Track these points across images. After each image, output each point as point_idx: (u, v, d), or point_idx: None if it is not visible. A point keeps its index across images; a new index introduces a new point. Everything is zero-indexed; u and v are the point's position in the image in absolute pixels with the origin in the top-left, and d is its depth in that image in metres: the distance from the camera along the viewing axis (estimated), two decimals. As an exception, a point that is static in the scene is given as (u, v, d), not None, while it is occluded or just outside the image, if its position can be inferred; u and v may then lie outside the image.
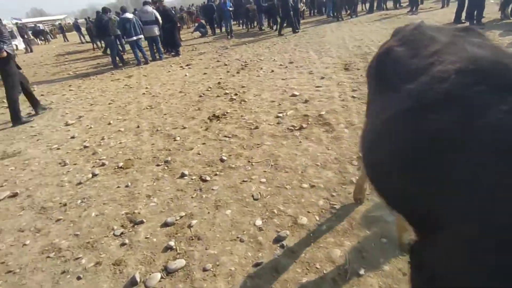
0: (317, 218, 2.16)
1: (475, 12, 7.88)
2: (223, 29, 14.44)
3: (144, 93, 6.05)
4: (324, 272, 1.75)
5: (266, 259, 1.88)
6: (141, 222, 2.35)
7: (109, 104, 5.65)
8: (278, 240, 2.01)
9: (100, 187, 2.93)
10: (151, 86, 6.59)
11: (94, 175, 3.13)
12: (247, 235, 2.09)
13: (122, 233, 2.28)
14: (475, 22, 7.82)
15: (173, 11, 10.29)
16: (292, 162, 2.87)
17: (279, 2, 11.44)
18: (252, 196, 2.48)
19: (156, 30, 9.23)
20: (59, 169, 3.36)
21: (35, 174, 3.31)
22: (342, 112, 3.82)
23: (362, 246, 1.88)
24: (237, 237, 2.08)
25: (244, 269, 1.84)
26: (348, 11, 14.00)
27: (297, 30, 11.47)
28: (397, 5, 14.80)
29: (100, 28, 9.07)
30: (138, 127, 4.31)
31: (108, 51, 11.37)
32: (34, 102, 5.51)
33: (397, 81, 0.90)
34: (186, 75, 7.15)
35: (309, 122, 3.66)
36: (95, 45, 15.22)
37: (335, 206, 2.24)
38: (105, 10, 9.24)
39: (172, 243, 2.09)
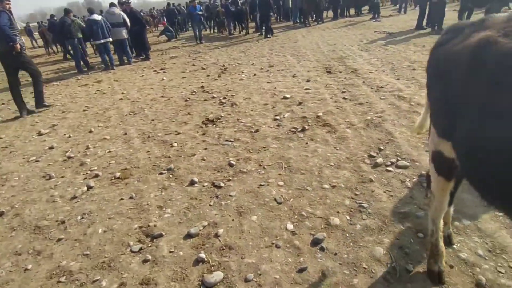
0: (348, 218, 2.14)
1: (436, 19, 8.54)
2: (187, 33, 14.18)
3: (121, 99, 5.69)
4: (373, 271, 1.72)
5: (309, 263, 1.82)
6: (160, 235, 2.16)
7: (84, 111, 5.22)
8: (316, 243, 1.96)
9: (100, 200, 2.66)
10: (127, 91, 6.22)
11: (89, 187, 2.84)
12: (281, 241, 2.01)
13: (141, 248, 2.07)
14: (436, 28, 8.48)
15: (141, 14, 9.83)
16: (306, 164, 2.84)
17: (259, 5, 11.60)
18: (275, 200, 2.40)
19: (124, 33, 8.78)
20: (45, 183, 3.01)
21: (17, 190, 2.93)
22: (339, 113, 3.89)
23: (401, 243, 1.89)
24: (272, 243, 1.99)
25: (289, 276, 1.76)
26: (315, 17, 14.50)
27: (268, 36, 11.62)
28: (358, 13, 15.65)
29: (62, 31, 8.40)
30: (126, 134, 4.02)
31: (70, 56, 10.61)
32: (21, 104, 5.41)
33: None
34: (163, 79, 6.87)
35: (309, 124, 3.67)
36: (50, 49, 14.11)
37: (362, 204, 2.24)
38: (67, 11, 8.57)
39: (202, 255, 1.94)
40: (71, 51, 9.28)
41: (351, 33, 10.43)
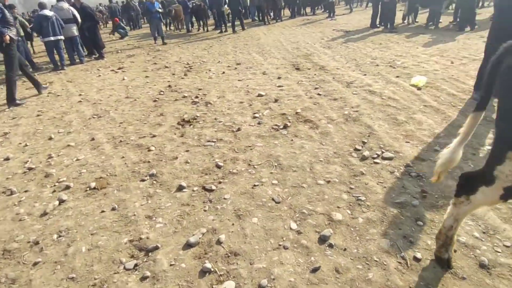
0: (349, 212, 2.16)
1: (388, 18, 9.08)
2: (141, 30, 13.51)
3: (80, 101, 5.20)
4: (385, 263, 1.75)
5: (321, 262, 1.79)
6: (156, 248, 1.99)
7: (38, 115, 4.68)
8: (323, 240, 1.94)
9: (77, 215, 2.38)
10: (85, 92, 5.70)
11: (61, 201, 2.53)
12: (288, 241, 1.96)
13: (136, 265, 1.89)
14: (389, 26, 9.02)
15: (92, 9, 9.09)
16: (295, 161, 2.82)
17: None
18: (273, 199, 2.34)
19: (74, 30, 8.06)
20: (6, 200, 2.62)
21: (-30, 210, 2.51)
22: (316, 109, 3.94)
23: (404, 232, 1.95)
24: (279, 245, 1.93)
25: (304, 277, 1.71)
26: (273, 15, 14.65)
27: (235, 31, 11.60)
28: (313, 11, 16.15)
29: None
30: (93, 139, 3.67)
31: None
32: (35, 83, 5.89)
33: None
34: (124, 79, 6.43)
35: (290, 120, 3.66)
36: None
37: (359, 197, 2.28)
38: (10, 7, 7.60)
39: (208, 265, 1.82)
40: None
41: (311, 31, 10.70)
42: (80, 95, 5.57)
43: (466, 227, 1.93)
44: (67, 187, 2.74)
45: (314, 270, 1.74)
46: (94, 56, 9.23)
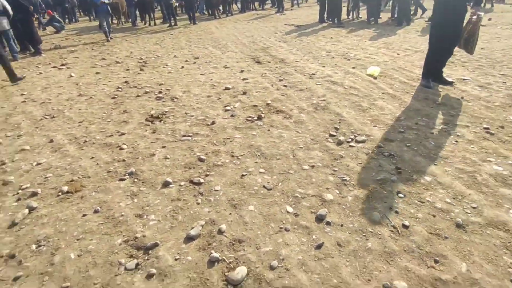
0: (338, 192, 2.31)
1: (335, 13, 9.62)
2: (79, 24, 12.42)
3: (24, 101, 4.65)
4: (379, 233, 1.92)
5: (323, 238, 1.90)
6: (155, 245, 1.92)
7: (-26, 119, 4.08)
8: (320, 219, 2.05)
9: (55, 221, 2.17)
10: (28, 91, 5.11)
11: (31, 209, 2.29)
12: (288, 224, 2.03)
13: (138, 264, 1.80)
14: (336, 21, 9.56)
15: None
16: (277, 149, 2.91)
17: None
18: (264, 187, 2.39)
19: (5, 23, 7.09)
20: (-41, 215, 2.28)
21: None
22: (286, 100, 4.06)
23: (390, 204, 2.15)
24: (280, 228, 2.00)
25: (310, 254, 1.81)
26: (222, 10, 14.52)
27: (195, 23, 11.21)
28: (262, 6, 16.38)
29: None
30: (52, 141, 3.34)
31: None
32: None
33: None
34: (72, 76, 5.90)
35: (263, 112, 3.73)
36: None
37: (344, 178, 2.44)
38: None
39: (215, 254, 1.81)
40: None
41: (263, 25, 10.86)
42: (22, 94, 4.97)
43: (439, 195, 2.20)
44: (34, 194, 2.47)
45: (319, 247, 1.85)
46: (29, 52, 8.28)
